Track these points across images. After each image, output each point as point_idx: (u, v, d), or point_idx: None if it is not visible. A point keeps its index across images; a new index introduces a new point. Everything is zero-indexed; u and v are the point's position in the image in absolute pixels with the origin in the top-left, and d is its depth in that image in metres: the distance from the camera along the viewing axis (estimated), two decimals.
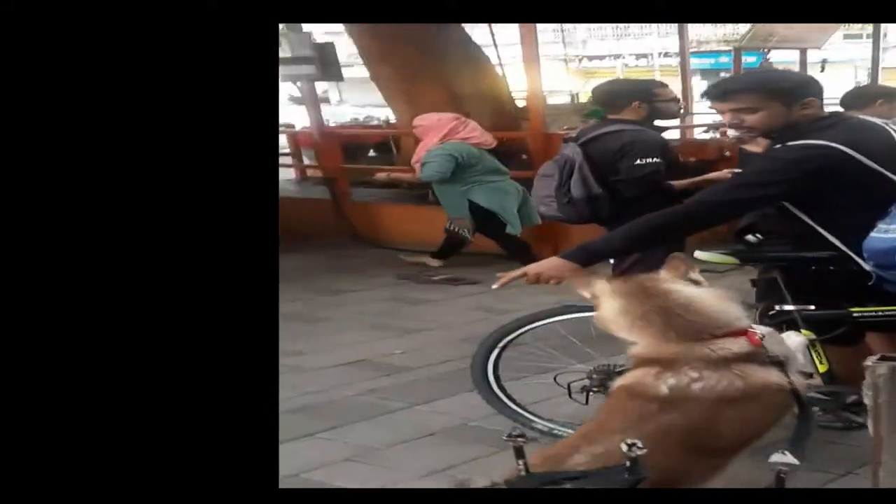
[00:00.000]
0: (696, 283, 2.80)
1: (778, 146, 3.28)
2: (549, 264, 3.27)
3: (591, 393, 3.63)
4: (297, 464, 3.64)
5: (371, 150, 11.94)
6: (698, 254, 3.35)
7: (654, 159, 4.73)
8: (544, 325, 3.80)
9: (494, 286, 3.35)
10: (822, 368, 3.44)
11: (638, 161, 4.70)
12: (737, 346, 2.62)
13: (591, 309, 3.21)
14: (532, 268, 3.28)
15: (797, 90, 3.29)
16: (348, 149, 10.69)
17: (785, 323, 3.34)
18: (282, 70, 8.30)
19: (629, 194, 4.73)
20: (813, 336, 3.36)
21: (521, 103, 10.27)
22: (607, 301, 2.79)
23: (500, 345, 3.83)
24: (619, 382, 2.72)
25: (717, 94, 3.38)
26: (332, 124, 13.36)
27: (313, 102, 9.78)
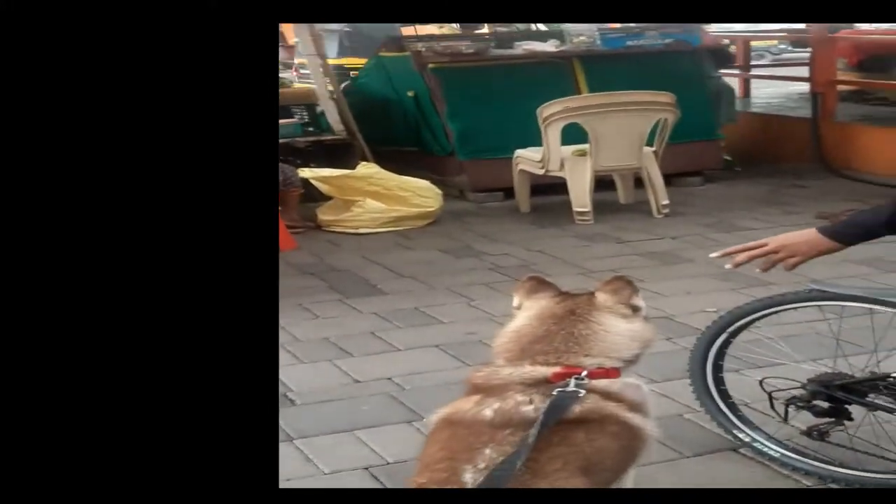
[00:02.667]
0: (634, 309, 2.71)
1: None
2: (801, 238, 2.87)
3: (791, 408, 3.24)
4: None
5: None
6: None
7: None
8: (784, 311, 3.29)
9: (713, 255, 3.08)
10: None
11: None
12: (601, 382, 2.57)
13: (848, 297, 3.08)
14: (777, 240, 2.89)
15: None
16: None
17: None
18: None
19: None
20: None
21: None
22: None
23: (729, 331, 3.34)
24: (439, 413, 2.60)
25: None
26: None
27: None
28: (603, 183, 7.61)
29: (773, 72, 13.32)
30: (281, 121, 8.34)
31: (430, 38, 9.39)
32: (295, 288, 5.66)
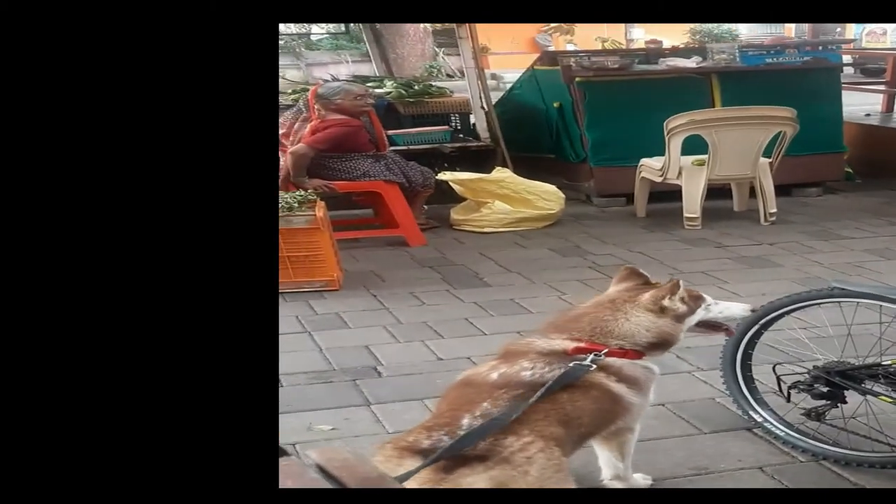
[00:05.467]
0: (664, 309, 3.24)
1: None
2: None
3: (794, 391, 3.67)
4: None
5: None
6: None
7: None
8: (806, 308, 3.75)
9: None
10: None
11: None
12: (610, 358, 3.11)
13: (865, 295, 3.51)
14: None
15: None
16: None
17: None
18: None
19: None
20: None
21: None
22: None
23: (761, 323, 3.75)
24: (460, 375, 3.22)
25: None
26: None
27: None
28: (722, 192, 7.99)
29: None
30: (432, 128, 9.03)
31: (582, 53, 9.89)
32: (412, 278, 6.31)
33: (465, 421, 2.84)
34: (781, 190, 8.09)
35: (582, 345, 3.15)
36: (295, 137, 7.41)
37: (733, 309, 3.44)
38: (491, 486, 2.61)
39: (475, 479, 2.61)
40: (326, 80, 8.77)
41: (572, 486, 2.88)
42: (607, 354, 3.13)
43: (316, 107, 7.41)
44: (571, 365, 3.06)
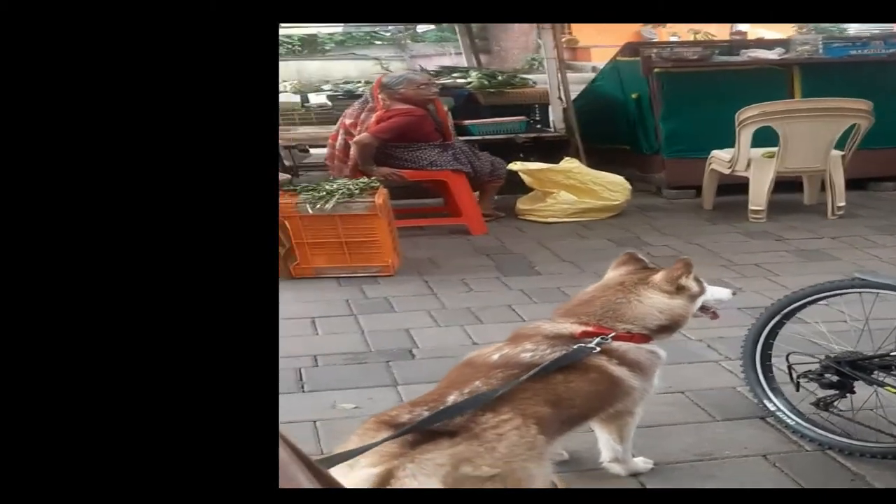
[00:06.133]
0: (681, 288, 3.29)
1: None
2: None
3: (804, 380, 3.67)
4: None
5: None
6: None
7: None
8: (831, 297, 3.75)
9: None
10: None
11: None
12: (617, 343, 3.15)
13: (886, 286, 3.49)
14: None
15: None
16: None
17: None
18: None
19: None
20: None
21: None
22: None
23: (783, 313, 3.76)
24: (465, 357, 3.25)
25: None
26: None
27: None
28: (793, 185, 7.89)
29: None
30: (507, 118, 9.11)
31: (664, 44, 9.85)
32: (465, 266, 6.39)
33: (452, 398, 2.86)
34: (856, 184, 7.97)
35: (589, 328, 3.20)
36: (361, 127, 7.55)
37: (720, 293, 3.46)
38: (450, 462, 2.61)
39: (436, 454, 2.61)
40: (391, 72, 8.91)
41: (545, 466, 2.89)
42: (614, 338, 3.17)
43: (380, 97, 7.54)
44: (574, 347, 3.11)
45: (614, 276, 3.44)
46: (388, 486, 2.53)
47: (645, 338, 3.25)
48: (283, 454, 1.49)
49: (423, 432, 2.69)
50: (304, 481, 1.49)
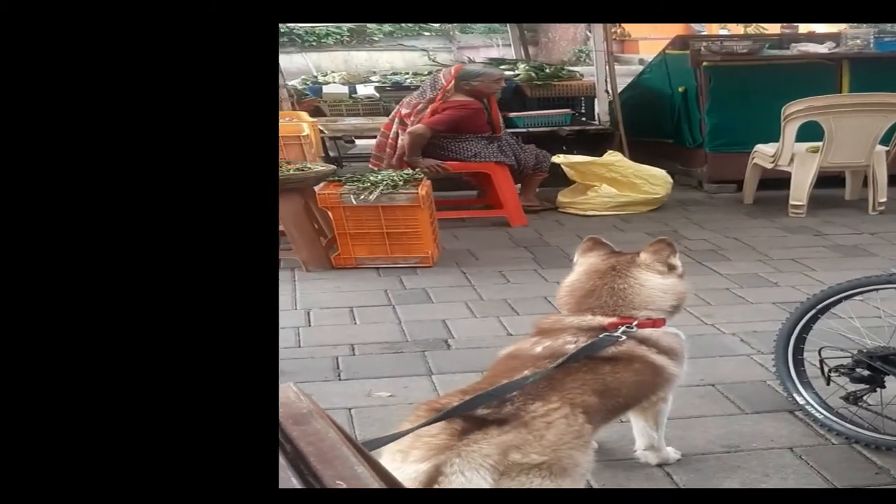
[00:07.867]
0: (671, 267, 3.32)
1: None
2: None
3: (835, 374, 3.69)
4: None
5: None
6: None
7: None
8: (862, 294, 3.77)
9: None
10: None
11: None
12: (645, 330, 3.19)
13: None
14: None
15: None
16: None
17: None
18: None
19: None
20: None
21: None
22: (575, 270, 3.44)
23: (818, 308, 3.77)
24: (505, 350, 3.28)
25: None
26: None
27: None
28: (835, 180, 7.87)
29: None
30: (554, 111, 9.14)
31: (714, 38, 9.82)
32: (504, 257, 6.46)
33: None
34: None
35: (614, 319, 3.25)
36: (416, 118, 7.60)
37: None
38: (499, 451, 2.64)
39: (484, 444, 2.64)
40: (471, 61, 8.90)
41: (590, 454, 2.93)
42: (638, 326, 3.22)
43: (451, 86, 7.55)
44: (602, 336, 3.16)
45: (596, 263, 3.41)
46: (435, 485, 2.57)
47: (663, 321, 3.30)
48: (334, 436, 1.55)
49: (473, 421, 2.72)
50: (354, 463, 1.50)
